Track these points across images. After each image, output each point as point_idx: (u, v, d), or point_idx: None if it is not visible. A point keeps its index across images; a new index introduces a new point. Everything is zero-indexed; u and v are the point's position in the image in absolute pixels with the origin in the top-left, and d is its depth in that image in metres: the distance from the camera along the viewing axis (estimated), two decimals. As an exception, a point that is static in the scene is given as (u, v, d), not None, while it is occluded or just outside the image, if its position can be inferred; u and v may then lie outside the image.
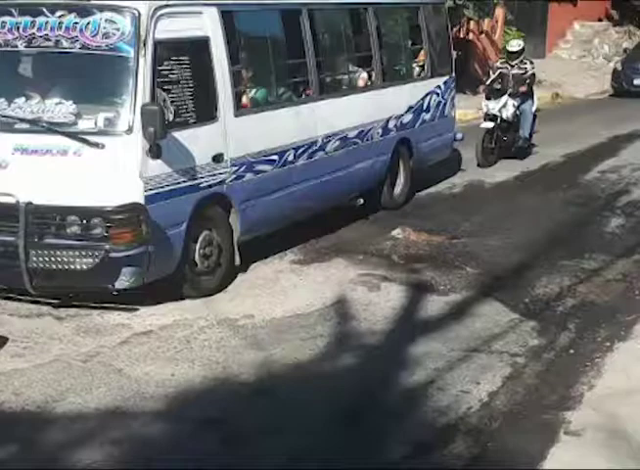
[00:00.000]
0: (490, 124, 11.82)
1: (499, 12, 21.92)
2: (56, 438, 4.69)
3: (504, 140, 12.07)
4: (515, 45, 12.60)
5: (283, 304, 6.72)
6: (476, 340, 6.03)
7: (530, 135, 12.53)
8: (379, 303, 6.78)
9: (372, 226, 9.12)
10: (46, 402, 5.07)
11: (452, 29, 20.46)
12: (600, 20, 27.41)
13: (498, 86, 12.09)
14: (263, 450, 4.54)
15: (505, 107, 11.87)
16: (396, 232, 8.70)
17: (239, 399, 5.21)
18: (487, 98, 12.10)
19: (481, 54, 21.27)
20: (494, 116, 11.85)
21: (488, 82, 12.38)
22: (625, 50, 21.99)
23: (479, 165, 11.72)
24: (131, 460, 4.48)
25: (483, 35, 21.46)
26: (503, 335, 6.13)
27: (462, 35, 21.62)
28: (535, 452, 4.43)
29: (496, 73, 12.27)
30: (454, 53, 18.78)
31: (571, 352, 5.87)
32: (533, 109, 12.43)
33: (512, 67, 12.22)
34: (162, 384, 5.33)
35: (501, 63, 12.54)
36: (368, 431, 4.75)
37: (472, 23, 21.77)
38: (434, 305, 6.74)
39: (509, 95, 11.91)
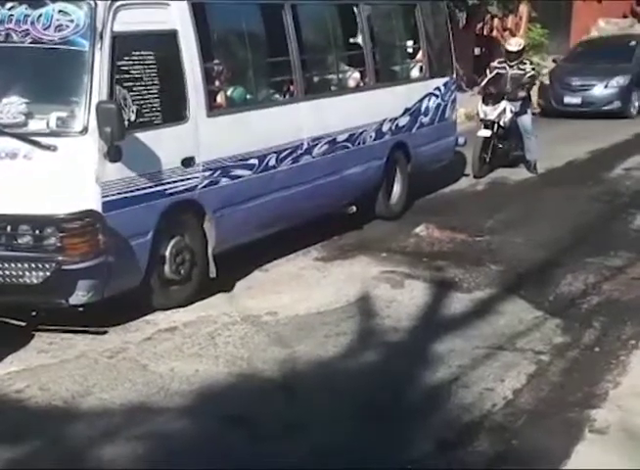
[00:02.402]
0: (488, 133, 11.09)
1: (523, 9, 21.83)
2: (82, 433, 4.72)
3: (500, 148, 11.35)
4: (514, 44, 11.64)
5: (306, 300, 6.72)
6: (500, 337, 6.01)
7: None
8: (402, 300, 6.77)
9: (395, 223, 9.11)
10: (72, 398, 5.12)
11: (476, 26, 20.62)
12: (625, 16, 27.23)
13: (494, 90, 11.22)
14: (287, 447, 4.55)
15: (503, 113, 11.11)
16: (420, 229, 8.69)
17: (263, 395, 5.22)
18: (484, 102, 11.23)
19: (505, 51, 21.16)
20: (492, 123, 11.10)
21: (484, 83, 11.45)
22: (555, 60, 18.22)
23: (475, 177, 11.03)
24: (156, 456, 4.51)
25: (507, 32, 21.37)
26: (527, 332, 6.10)
27: (486, 32, 21.59)
28: (560, 450, 4.40)
29: (492, 74, 11.38)
30: (477, 50, 18.54)
31: (596, 349, 5.84)
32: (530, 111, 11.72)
33: (510, 67, 11.35)
34: (187, 380, 5.36)
35: (499, 62, 11.58)
36: (391, 428, 4.75)
37: (495, 20, 21.72)
38: (457, 302, 6.73)
39: (507, 99, 11.13)
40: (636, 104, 16.65)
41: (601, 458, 4.33)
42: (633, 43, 17.60)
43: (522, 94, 11.31)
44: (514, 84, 11.28)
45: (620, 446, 4.43)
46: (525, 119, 11.48)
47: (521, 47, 11.62)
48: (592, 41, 19.60)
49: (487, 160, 11.22)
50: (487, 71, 11.63)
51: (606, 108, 16.20)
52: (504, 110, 11.15)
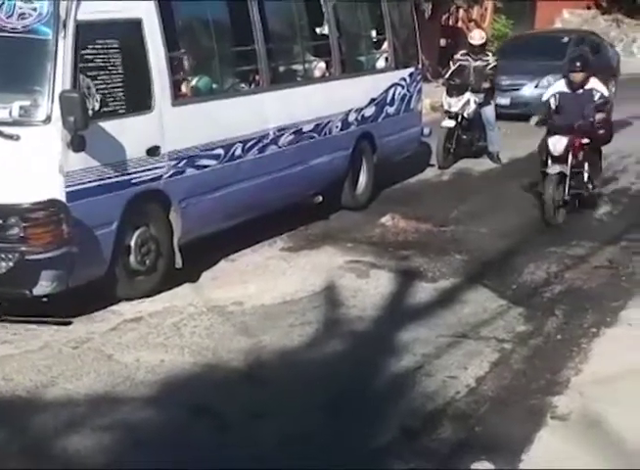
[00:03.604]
0: (452, 123, 11.16)
1: (488, 0, 21.99)
2: (46, 423, 4.70)
3: (464, 139, 11.40)
4: (478, 38, 11.70)
5: (272, 290, 6.74)
6: (464, 326, 6.07)
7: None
8: (368, 289, 6.80)
9: (361, 213, 9.14)
10: (36, 388, 5.09)
11: (442, 17, 20.73)
12: (589, 8, 27.48)
13: (458, 81, 11.34)
14: (253, 436, 4.56)
15: (467, 104, 11.21)
16: (385, 219, 8.74)
17: (228, 385, 5.23)
18: (448, 93, 11.37)
19: (471, 42, 21.29)
20: (456, 114, 11.19)
21: (448, 75, 11.56)
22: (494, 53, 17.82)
23: (439, 167, 11.06)
24: (122, 446, 4.50)
25: (473, 23, 21.49)
26: (491, 321, 6.17)
27: (451, 23, 21.70)
28: (522, 436, 4.46)
29: (456, 66, 11.51)
30: (443, 41, 18.56)
31: (558, 337, 5.92)
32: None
33: (474, 60, 11.46)
34: (152, 370, 5.35)
35: (462, 55, 11.69)
36: (356, 416, 4.79)
37: (461, 11, 21.86)
38: (422, 291, 6.78)
39: (471, 90, 11.25)
40: None
41: (563, 444, 4.40)
42: (566, 39, 16.53)
43: (485, 85, 11.39)
44: (477, 76, 11.38)
45: (582, 432, 4.50)
46: (489, 111, 11.60)
47: (484, 40, 11.75)
48: (522, 38, 18.36)
49: (452, 150, 11.28)
50: (451, 63, 11.73)
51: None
52: (468, 101, 11.25)
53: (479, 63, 11.43)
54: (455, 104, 11.24)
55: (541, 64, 15.17)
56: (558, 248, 7.87)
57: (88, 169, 5.93)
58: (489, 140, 11.67)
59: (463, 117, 11.31)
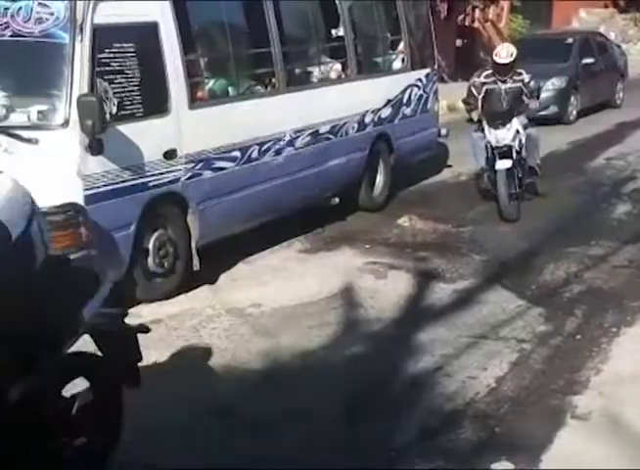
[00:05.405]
0: (508, 163, 8.63)
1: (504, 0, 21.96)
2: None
3: (520, 178, 8.97)
4: (505, 55, 8.97)
5: (290, 292, 6.74)
6: (483, 326, 6.05)
7: None
8: (386, 291, 6.80)
9: (378, 215, 9.13)
10: (57, 391, 5.11)
11: (457, 17, 20.70)
12: (606, 6, 27.37)
13: (475, 115, 9.08)
14: (273, 437, 4.57)
15: (518, 134, 8.85)
16: (403, 220, 8.73)
17: (248, 386, 5.23)
18: (491, 125, 8.78)
19: (487, 42, 21.28)
20: (509, 148, 8.70)
21: (475, 107, 9.07)
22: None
23: (507, 220, 8.67)
24: (140, 446, 4.51)
25: (489, 23, 21.46)
26: (510, 321, 6.15)
27: (467, 23, 21.68)
28: (542, 436, 4.45)
29: (483, 92, 8.99)
30: (459, 41, 18.49)
31: (578, 337, 5.89)
32: None
33: (503, 82, 8.98)
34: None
35: (485, 76, 9.08)
36: (376, 417, 4.78)
37: (477, 11, 21.83)
38: (441, 292, 6.76)
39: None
40: (574, 108, 15.10)
41: (583, 444, 4.38)
42: (570, 41, 16.08)
43: (533, 105, 9.13)
44: (512, 100, 8.99)
45: (602, 432, 4.49)
46: (533, 131, 9.32)
47: (513, 58, 8.97)
48: (525, 40, 17.37)
49: (516, 196, 8.92)
50: (473, 89, 9.20)
51: (542, 113, 13.39)
52: (517, 130, 8.89)
53: (511, 84, 9.00)
54: (505, 135, 8.75)
55: (545, 66, 14.45)
56: (577, 248, 7.82)
57: (106, 173, 5.97)
58: (528, 151, 9.13)
59: (517, 150, 8.84)
